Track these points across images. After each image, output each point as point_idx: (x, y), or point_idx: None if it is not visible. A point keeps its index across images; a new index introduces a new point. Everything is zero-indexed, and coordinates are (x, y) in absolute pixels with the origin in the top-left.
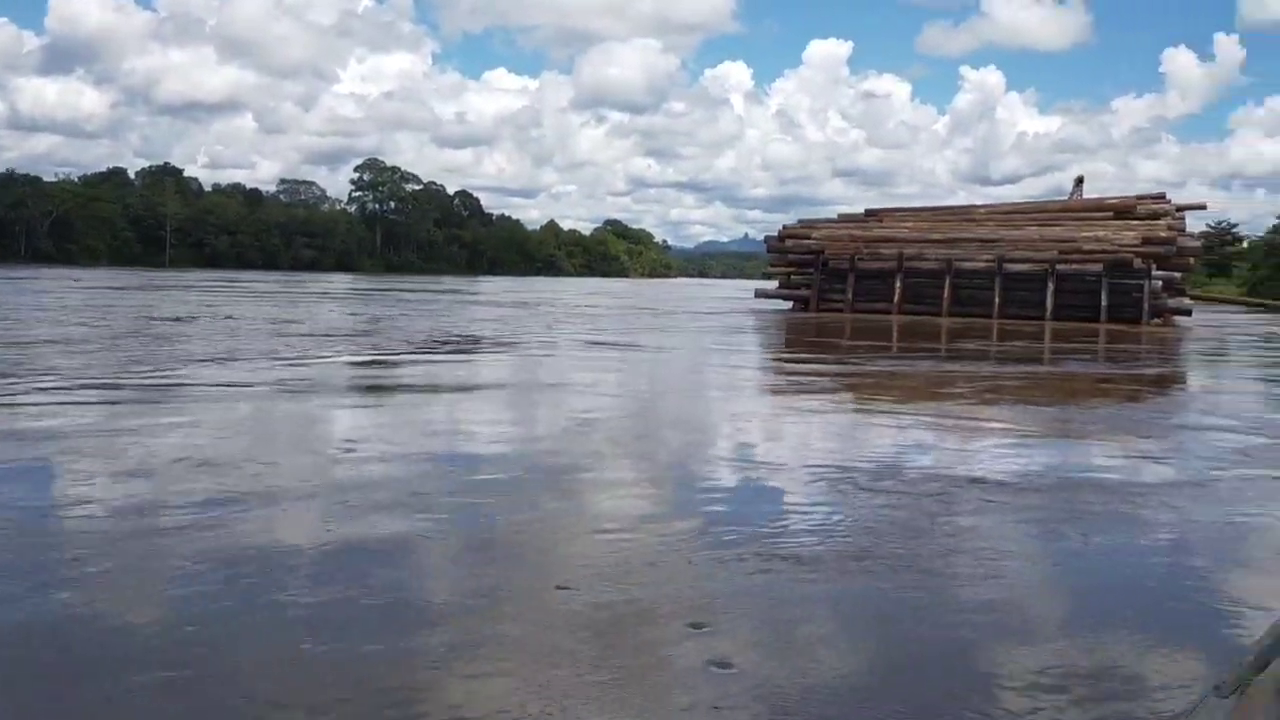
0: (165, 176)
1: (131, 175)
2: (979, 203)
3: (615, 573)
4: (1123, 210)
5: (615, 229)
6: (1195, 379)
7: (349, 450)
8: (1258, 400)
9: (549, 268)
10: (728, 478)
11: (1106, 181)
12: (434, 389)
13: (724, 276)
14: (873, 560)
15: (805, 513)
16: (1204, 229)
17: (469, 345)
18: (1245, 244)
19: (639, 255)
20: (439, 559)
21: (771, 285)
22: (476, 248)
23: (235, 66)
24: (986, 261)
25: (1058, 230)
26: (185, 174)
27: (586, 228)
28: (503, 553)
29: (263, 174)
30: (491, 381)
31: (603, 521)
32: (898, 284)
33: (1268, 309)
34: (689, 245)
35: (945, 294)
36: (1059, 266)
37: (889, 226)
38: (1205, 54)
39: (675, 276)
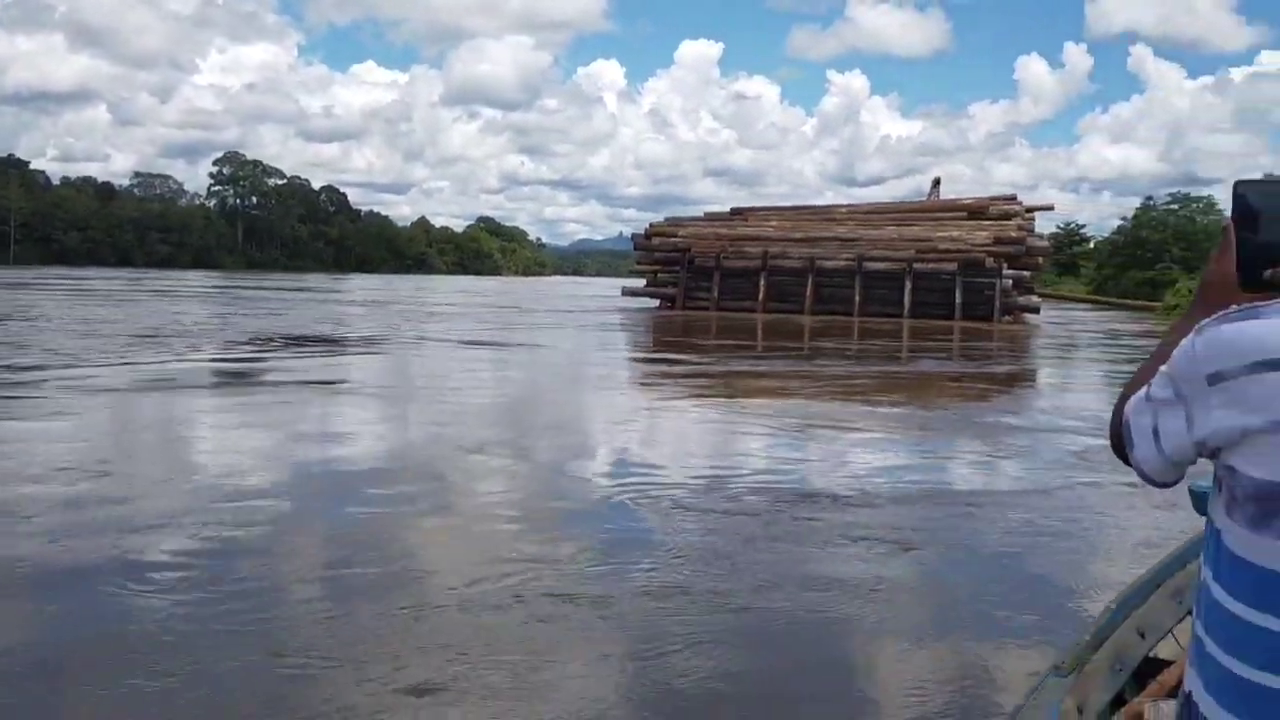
0: (9, 169)
1: None
2: (843, 203)
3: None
4: (976, 211)
5: (488, 226)
6: (1043, 377)
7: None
8: (1099, 399)
9: (420, 265)
10: (533, 506)
11: (964, 184)
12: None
13: (599, 275)
14: (679, 598)
15: (609, 547)
16: (1054, 230)
17: (276, 347)
18: (1092, 244)
19: (513, 253)
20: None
21: (639, 284)
22: (344, 244)
23: (87, 55)
24: (847, 260)
25: (915, 230)
26: (31, 166)
27: (459, 225)
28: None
29: (117, 167)
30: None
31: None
32: (762, 282)
33: (1112, 306)
34: (564, 243)
35: (808, 292)
36: (915, 265)
37: (754, 225)
38: (1056, 62)
39: (550, 275)
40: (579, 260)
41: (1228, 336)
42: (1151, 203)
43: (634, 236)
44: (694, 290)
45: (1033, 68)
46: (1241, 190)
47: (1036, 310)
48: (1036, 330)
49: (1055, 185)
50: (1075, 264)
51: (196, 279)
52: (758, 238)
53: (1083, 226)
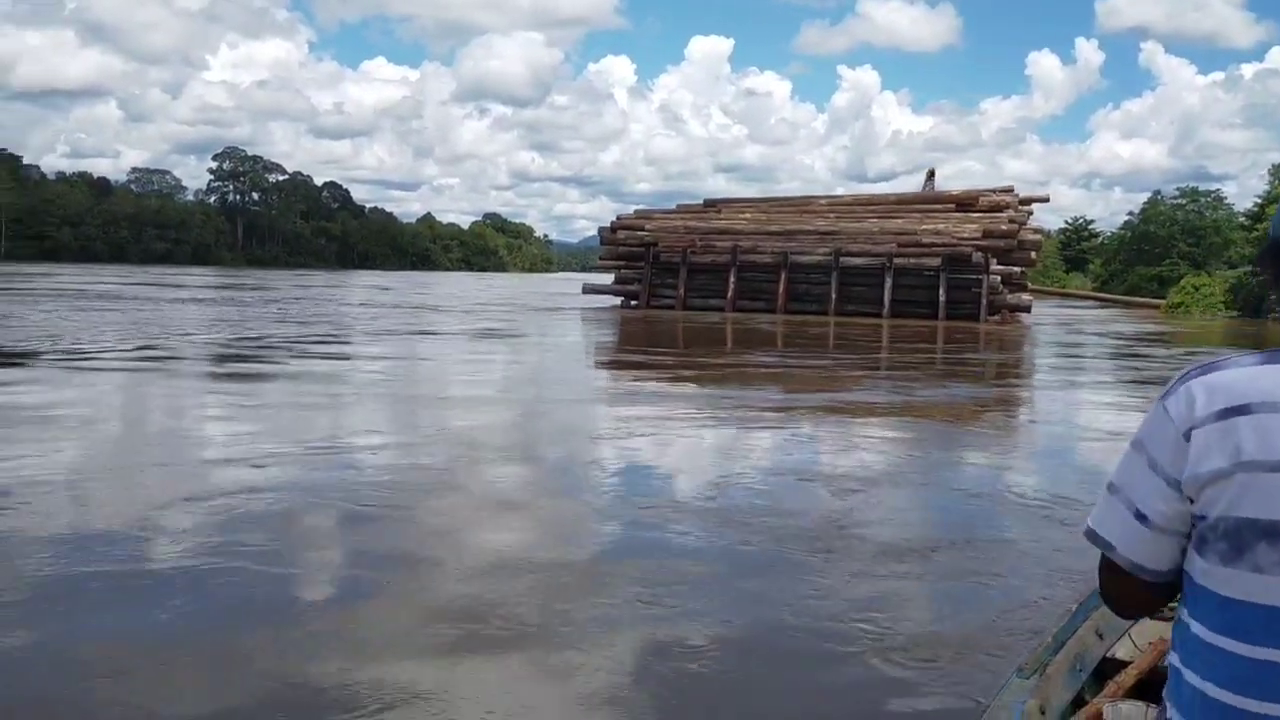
0: None
1: None
2: (821, 194)
3: None
4: (965, 203)
5: (494, 222)
6: (1032, 413)
7: None
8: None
9: (424, 262)
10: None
11: (976, 180)
12: None
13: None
14: None
15: None
16: (1062, 225)
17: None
18: (1100, 240)
19: (519, 249)
20: None
21: (605, 279)
22: (347, 241)
23: (98, 51)
24: (823, 255)
25: (898, 223)
26: (42, 163)
27: (469, 221)
28: None
29: (128, 163)
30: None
31: None
32: (731, 280)
33: (1118, 305)
34: (573, 240)
35: (780, 290)
36: (896, 260)
37: (727, 218)
38: (1067, 57)
39: (556, 271)
40: (588, 257)
41: (1195, 390)
42: (1160, 197)
43: (600, 229)
44: (659, 288)
45: (1044, 63)
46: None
47: (1028, 309)
48: (1028, 333)
49: (1066, 181)
50: (1084, 260)
51: (173, 276)
52: (729, 231)
53: (1092, 222)
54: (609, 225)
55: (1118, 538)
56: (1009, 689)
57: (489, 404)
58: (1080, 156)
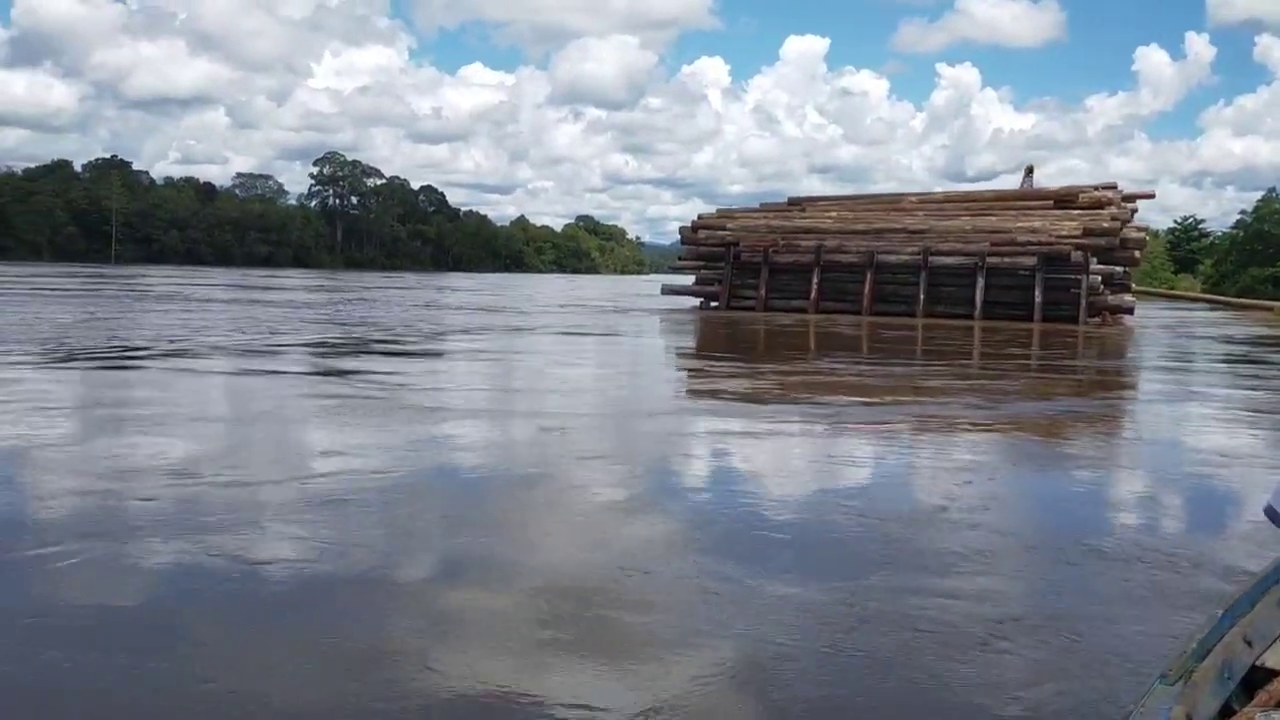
0: (111, 169)
1: (78, 168)
2: (913, 191)
3: None
4: (1064, 199)
5: (587, 225)
6: (1146, 432)
7: None
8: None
9: (517, 264)
10: None
11: (1080, 179)
12: None
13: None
14: None
15: None
16: (1171, 225)
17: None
18: (1211, 240)
19: (610, 251)
20: None
21: (686, 280)
22: (441, 244)
23: (206, 60)
24: (911, 254)
25: (991, 220)
26: (134, 167)
27: (562, 224)
28: None
29: (235, 169)
30: None
31: None
32: (815, 280)
33: (1229, 307)
34: (665, 242)
35: (866, 290)
36: (989, 260)
37: (812, 217)
38: (1177, 52)
39: (648, 273)
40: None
41: None
42: (1275, 195)
43: (680, 229)
44: (740, 288)
45: (1152, 58)
46: None
47: (1130, 311)
48: (1131, 336)
49: (1175, 180)
50: (1194, 260)
51: (304, 278)
52: (814, 230)
53: (1202, 221)
54: (689, 225)
55: None
56: (1153, 695)
57: (548, 417)
58: (1190, 154)
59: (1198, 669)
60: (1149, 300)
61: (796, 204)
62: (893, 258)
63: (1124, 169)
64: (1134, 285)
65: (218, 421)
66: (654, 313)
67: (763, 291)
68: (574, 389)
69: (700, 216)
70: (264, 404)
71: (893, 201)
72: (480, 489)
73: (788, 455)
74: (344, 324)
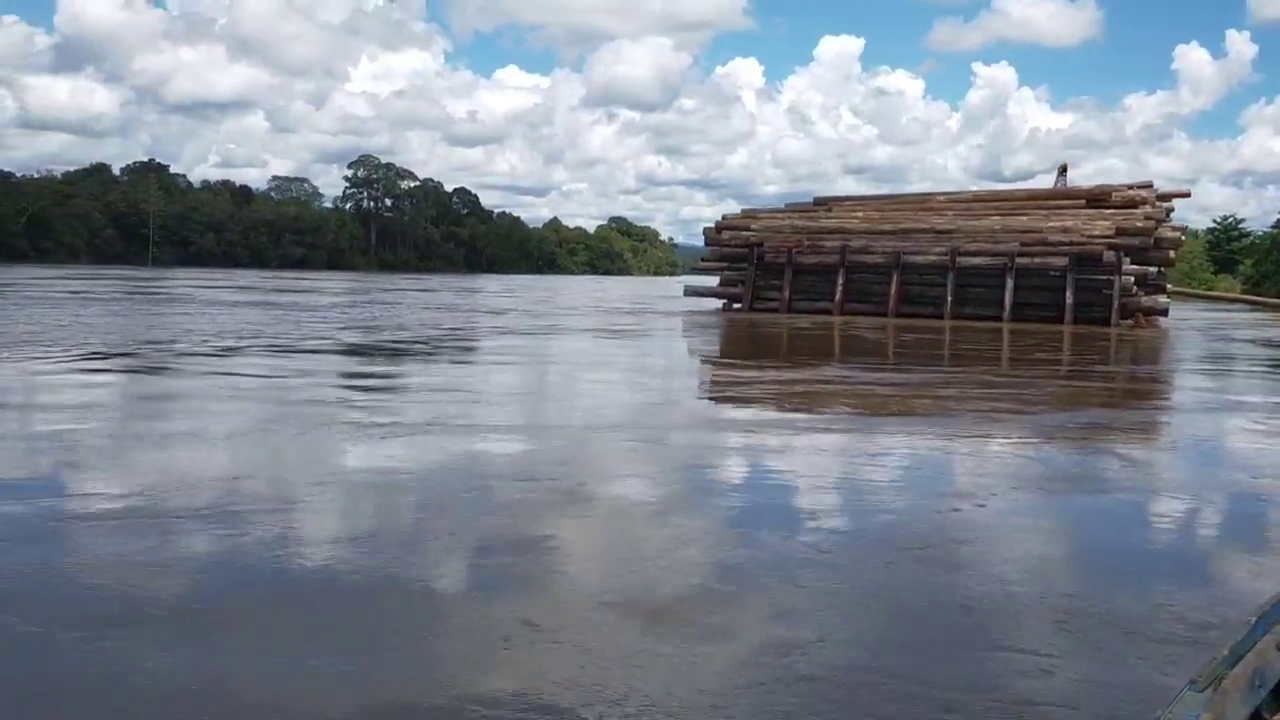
0: (149, 173)
1: (117, 171)
2: (940, 190)
3: None
4: (1097, 198)
5: (620, 226)
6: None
7: None
8: None
9: (549, 266)
10: None
11: (1118, 178)
12: None
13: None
14: None
15: None
16: (1210, 225)
17: None
18: (1251, 240)
19: (643, 253)
20: None
21: (709, 281)
22: (475, 246)
23: (246, 65)
24: (939, 254)
25: (1022, 220)
26: (172, 170)
27: (596, 225)
28: None
29: (274, 173)
30: None
31: None
32: (840, 281)
33: (1269, 308)
34: (699, 243)
35: (892, 292)
36: (1019, 260)
37: (838, 217)
38: (1217, 50)
39: (681, 274)
40: None
41: None
42: None
43: (704, 230)
44: (764, 290)
45: (1192, 56)
46: None
47: (1165, 312)
48: (1165, 339)
49: (1216, 179)
50: (1233, 260)
51: (340, 280)
52: (839, 230)
53: (1242, 221)
54: (714, 225)
55: None
56: (1181, 701)
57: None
58: (1231, 153)
59: (1228, 676)
60: (1186, 301)
61: (822, 204)
62: (919, 258)
63: (1163, 168)
64: (1171, 286)
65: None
66: (672, 315)
67: (787, 293)
68: (570, 398)
69: (725, 217)
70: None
71: (921, 201)
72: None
73: (780, 498)
74: (349, 325)
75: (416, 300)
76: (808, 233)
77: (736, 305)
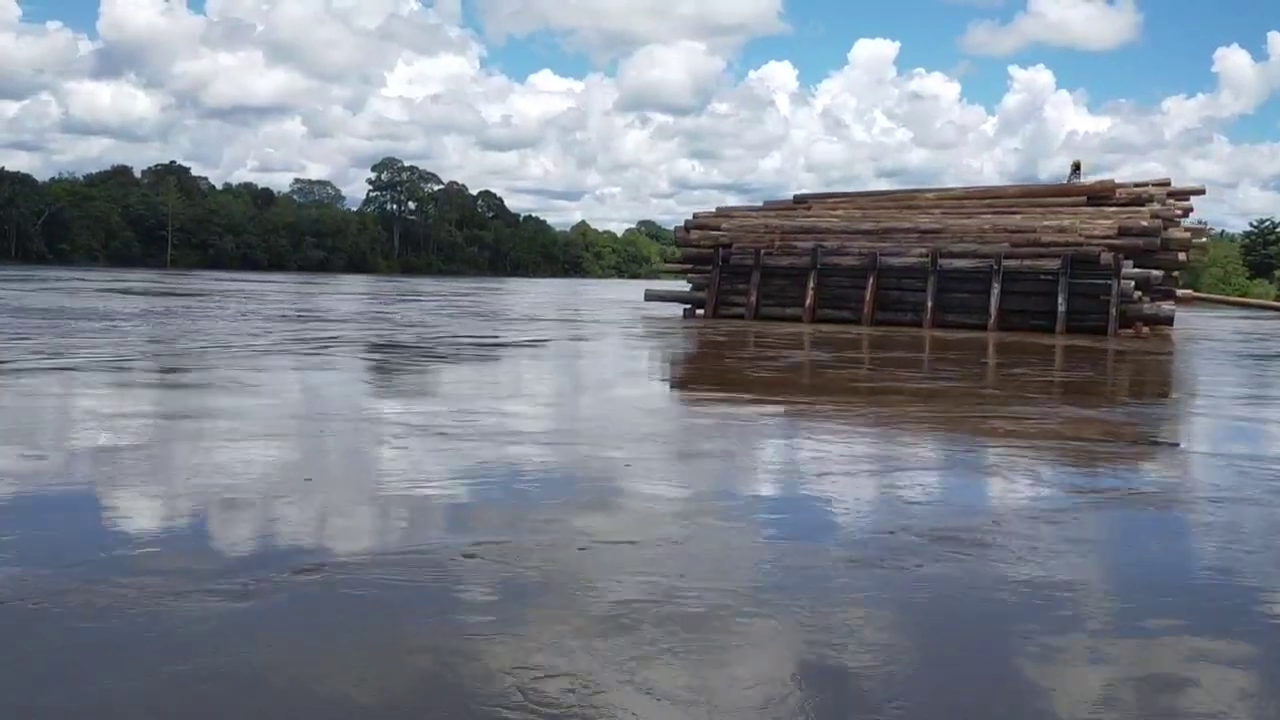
0: (169, 175)
1: (138, 174)
2: (929, 187)
3: None
4: (1099, 195)
5: (648, 230)
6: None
7: None
8: None
9: (575, 269)
10: None
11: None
12: None
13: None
14: None
15: None
16: (1246, 229)
17: None
18: None
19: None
20: None
21: (675, 285)
22: (499, 249)
23: (283, 70)
24: (919, 256)
25: (1015, 219)
26: (195, 173)
27: (627, 230)
28: None
29: (311, 177)
30: None
31: None
32: (811, 285)
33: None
34: None
35: (868, 297)
36: (1006, 262)
37: (816, 215)
38: (1259, 53)
39: None
40: None
41: None
42: None
43: (675, 230)
44: (730, 294)
45: (1232, 59)
46: None
47: (1169, 321)
48: (1170, 354)
49: (1257, 183)
50: (1270, 265)
51: (363, 282)
52: (814, 230)
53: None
54: (683, 225)
55: None
56: None
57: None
58: (1272, 157)
59: None
60: (1214, 308)
61: (802, 201)
62: (899, 260)
63: (1202, 172)
64: (1193, 293)
65: None
66: (622, 324)
67: (753, 298)
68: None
69: (695, 215)
70: None
71: (907, 198)
72: None
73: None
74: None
75: (392, 313)
76: (781, 232)
77: (700, 312)
